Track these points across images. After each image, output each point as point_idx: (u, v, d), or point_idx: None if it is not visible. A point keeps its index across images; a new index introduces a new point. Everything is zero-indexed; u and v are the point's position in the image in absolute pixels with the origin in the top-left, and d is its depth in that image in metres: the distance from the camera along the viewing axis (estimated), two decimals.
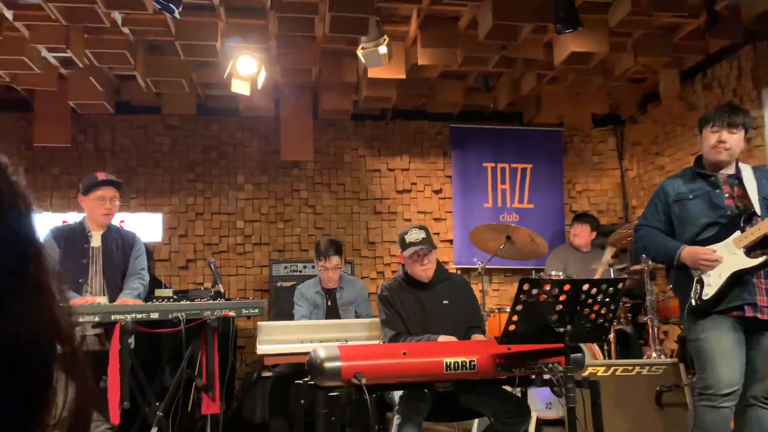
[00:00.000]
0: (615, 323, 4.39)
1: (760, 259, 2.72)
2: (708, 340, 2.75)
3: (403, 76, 4.76)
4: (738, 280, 2.73)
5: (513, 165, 6.12)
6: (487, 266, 4.67)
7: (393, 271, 5.79)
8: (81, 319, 2.96)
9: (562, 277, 4.50)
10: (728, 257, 2.75)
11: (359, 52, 4.16)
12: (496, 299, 5.89)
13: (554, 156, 6.22)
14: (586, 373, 3.35)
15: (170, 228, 5.63)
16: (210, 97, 5.61)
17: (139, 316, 3.14)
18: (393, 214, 5.96)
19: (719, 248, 2.78)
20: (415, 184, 6.03)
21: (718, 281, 2.74)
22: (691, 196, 2.91)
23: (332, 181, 5.91)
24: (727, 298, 2.73)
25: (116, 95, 5.33)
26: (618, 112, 6.19)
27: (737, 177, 2.92)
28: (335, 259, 4.09)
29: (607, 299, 2.52)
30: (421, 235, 3.18)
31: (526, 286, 2.38)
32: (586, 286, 2.44)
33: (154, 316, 3.18)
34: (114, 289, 3.43)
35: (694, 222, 2.88)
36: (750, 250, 2.74)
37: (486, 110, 6.06)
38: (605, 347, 4.28)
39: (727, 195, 2.87)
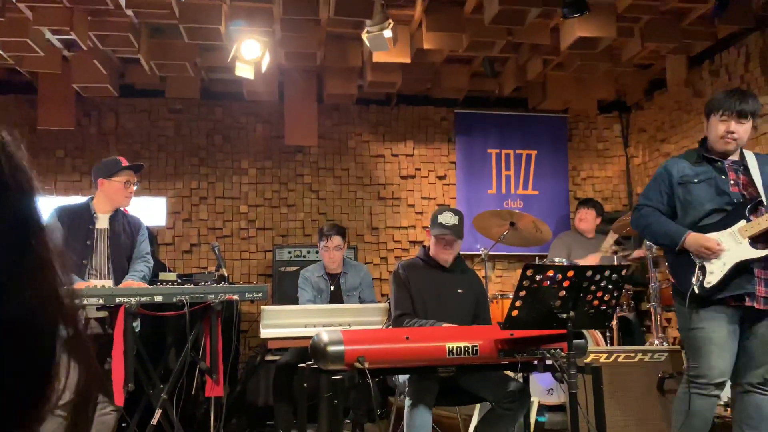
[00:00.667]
0: (618, 310, 4.40)
1: (767, 251, 2.71)
2: (705, 330, 2.74)
3: (408, 61, 4.73)
4: (740, 269, 2.71)
5: (518, 151, 6.10)
6: (490, 253, 4.67)
7: (396, 257, 5.80)
8: (85, 302, 2.97)
9: (565, 264, 4.49)
10: (733, 246, 2.73)
11: (364, 36, 4.13)
12: (500, 285, 5.90)
13: (559, 142, 6.19)
14: (588, 360, 3.36)
15: (174, 212, 5.64)
16: (214, 80, 5.59)
17: (143, 299, 3.15)
18: (397, 200, 5.95)
19: (724, 236, 2.76)
20: (419, 170, 6.02)
21: (721, 269, 2.72)
22: (696, 180, 2.86)
23: (336, 167, 5.90)
24: (728, 287, 2.72)
25: (120, 78, 5.32)
26: (624, 98, 6.15)
27: (742, 164, 2.89)
28: (336, 239, 4.12)
29: (611, 286, 2.52)
30: (454, 220, 3.18)
31: (529, 272, 2.38)
32: (589, 273, 2.44)
33: (158, 299, 3.19)
34: (119, 273, 3.44)
35: (699, 207, 2.84)
36: (754, 240, 2.73)
37: (491, 96, 6.03)
38: (607, 334, 4.29)
39: (732, 182, 2.84)
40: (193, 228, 5.65)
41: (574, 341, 2.50)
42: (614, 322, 4.32)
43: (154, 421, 3.22)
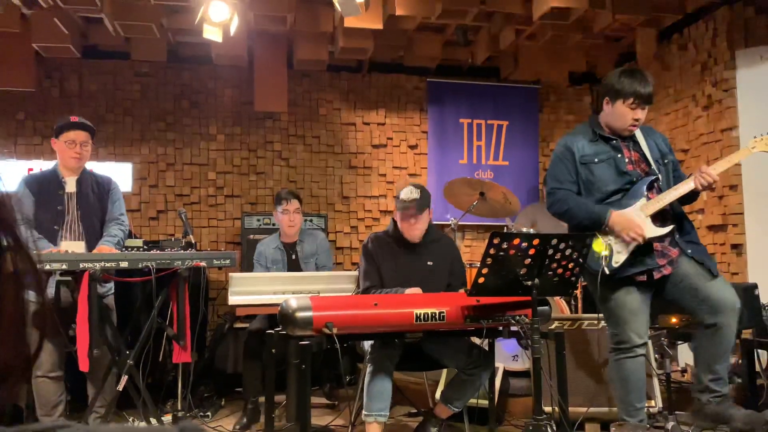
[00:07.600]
0: (582, 279, 4.48)
1: (668, 228, 2.79)
2: (619, 301, 2.82)
3: (380, 27, 4.67)
4: (644, 247, 2.78)
5: (489, 121, 6.11)
6: (460, 222, 4.71)
7: (367, 226, 5.80)
8: (48, 267, 2.92)
9: (532, 232, 4.54)
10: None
11: (335, 0, 4.05)
12: (468, 255, 5.96)
13: (530, 113, 6.22)
14: (552, 327, 3.43)
15: (140, 178, 5.53)
16: (181, 43, 5.45)
17: (108, 264, 3.10)
18: (368, 169, 5.93)
19: (633, 215, 2.81)
20: (391, 139, 6.00)
21: (627, 248, 2.78)
22: (596, 160, 2.89)
23: (307, 134, 5.84)
24: (633, 265, 2.78)
25: (83, 39, 5.14)
26: (595, 70, 6.18)
27: (632, 139, 2.94)
28: (296, 202, 4.09)
29: (575, 254, 2.56)
30: (415, 194, 3.14)
31: (496, 240, 2.41)
32: (555, 241, 2.48)
33: (124, 264, 3.15)
34: (92, 235, 3.40)
35: (602, 188, 2.87)
36: (653, 218, 2.80)
37: (464, 65, 6.00)
38: (572, 303, 4.38)
39: (627, 160, 2.89)
40: (159, 194, 5.56)
41: (539, 308, 2.55)
42: (579, 291, 4.41)
43: (120, 387, 3.21)
